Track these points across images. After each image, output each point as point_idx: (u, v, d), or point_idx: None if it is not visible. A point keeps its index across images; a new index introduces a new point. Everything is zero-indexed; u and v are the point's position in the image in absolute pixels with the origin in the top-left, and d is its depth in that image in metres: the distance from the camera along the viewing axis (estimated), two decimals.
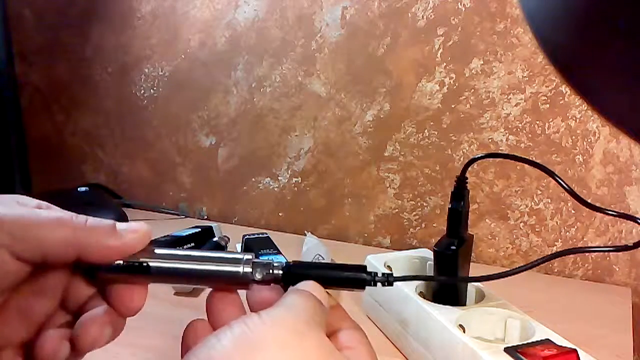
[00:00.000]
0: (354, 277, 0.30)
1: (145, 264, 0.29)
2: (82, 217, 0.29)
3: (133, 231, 0.29)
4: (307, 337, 0.25)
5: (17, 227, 0.27)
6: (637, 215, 0.64)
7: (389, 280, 0.31)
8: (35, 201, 0.30)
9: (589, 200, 0.66)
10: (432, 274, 0.47)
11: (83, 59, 0.91)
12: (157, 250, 0.30)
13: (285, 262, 0.30)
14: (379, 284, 0.31)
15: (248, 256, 0.30)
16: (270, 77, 0.79)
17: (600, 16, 0.16)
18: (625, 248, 0.37)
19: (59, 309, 0.30)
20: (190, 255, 0.30)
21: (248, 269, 0.29)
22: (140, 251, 0.30)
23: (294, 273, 0.30)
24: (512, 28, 0.66)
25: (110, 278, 0.30)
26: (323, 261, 0.62)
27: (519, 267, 0.37)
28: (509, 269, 0.36)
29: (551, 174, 0.42)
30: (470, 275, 0.48)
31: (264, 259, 0.30)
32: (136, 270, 0.29)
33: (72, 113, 0.94)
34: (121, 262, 0.29)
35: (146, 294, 0.30)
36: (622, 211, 0.65)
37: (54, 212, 0.29)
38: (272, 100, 0.80)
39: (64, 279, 0.30)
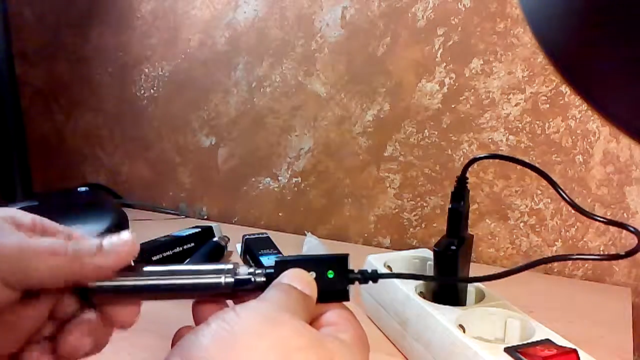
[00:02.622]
0: (335, 290, 0.30)
1: (132, 286, 0.30)
2: (72, 244, 0.28)
3: (119, 245, 0.29)
4: (281, 324, 0.25)
5: (9, 259, 0.27)
6: (637, 215, 0.65)
7: (373, 277, 0.31)
8: (29, 218, 0.30)
9: (589, 201, 0.66)
10: (433, 274, 0.47)
11: (83, 59, 0.91)
12: (143, 268, 0.31)
13: (266, 271, 0.30)
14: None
15: (229, 266, 0.30)
16: (270, 77, 0.79)
17: (600, 16, 0.16)
18: (618, 257, 0.37)
19: (48, 320, 0.30)
20: (173, 271, 0.31)
21: (230, 279, 0.30)
22: (129, 270, 0.30)
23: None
24: (512, 28, 0.66)
25: (101, 299, 0.30)
26: None
27: (505, 270, 0.37)
28: (499, 271, 0.36)
29: (547, 178, 0.42)
30: (470, 276, 0.48)
31: (244, 269, 0.31)
32: (125, 292, 0.30)
33: (72, 113, 0.94)
34: (110, 284, 0.30)
35: (138, 311, 0.30)
36: (622, 211, 0.65)
37: (46, 241, 0.28)
38: (272, 100, 0.80)
39: (55, 297, 0.30)
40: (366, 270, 0.31)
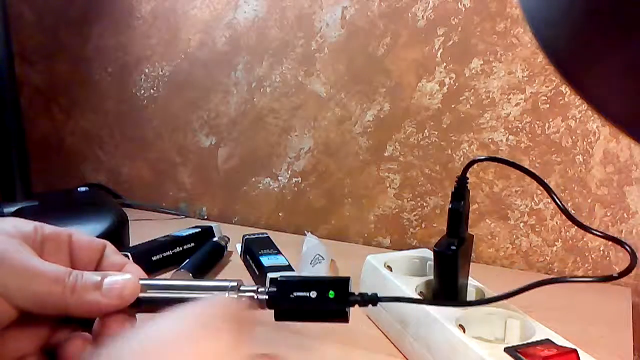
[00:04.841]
0: (335, 310, 0.31)
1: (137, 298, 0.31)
2: (72, 276, 0.29)
3: (119, 285, 0.29)
4: (200, 332, 0.25)
5: (17, 277, 0.27)
6: (637, 215, 0.65)
7: (372, 300, 0.32)
8: (31, 227, 0.31)
9: (588, 201, 0.66)
10: (432, 274, 0.47)
11: (83, 59, 0.91)
12: (146, 282, 0.31)
13: (269, 289, 0.31)
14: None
15: (233, 283, 0.31)
16: (270, 77, 0.79)
17: (600, 16, 0.16)
18: (612, 278, 0.37)
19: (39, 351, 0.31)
20: (177, 285, 0.31)
21: (233, 296, 0.31)
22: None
23: (278, 298, 0.31)
24: (512, 28, 0.66)
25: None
26: (323, 262, 0.62)
27: (500, 295, 0.37)
28: (495, 296, 0.36)
29: (546, 187, 0.42)
30: (470, 277, 0.48)
31: (248, 286, 0.32)
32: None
33: (72, 113, 0.94)
34: None
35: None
36: (622, 211, 0.65)
37: (51, 266, 0.29)
38: (272, 100, 0.80)
39: (52, 323, 0.31)
40: (366, 293, 0.32)
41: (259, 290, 0.31)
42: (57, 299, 0.28)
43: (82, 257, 0.33)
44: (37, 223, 0.31)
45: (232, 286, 0.31)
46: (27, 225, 0.31)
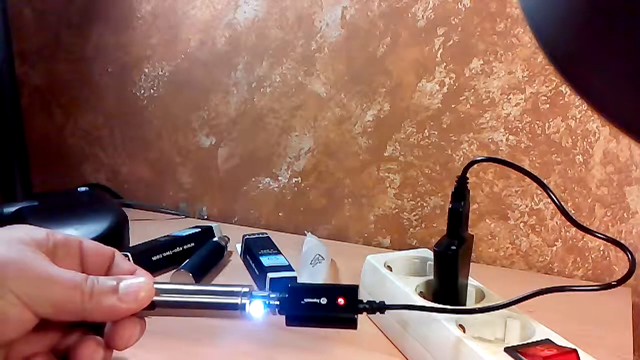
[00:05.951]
0: (344, 317, 0.32)
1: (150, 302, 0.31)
2: (89, 282, 0.29)
3: (135, 289, 0.30)
4: None
5: (37, 285, 0.28)
6: (637, 215, 0.65)
7: (380, 307, 0.33)
8: (44, 233, 0.31)
9: (588, 201, 0.66)
10: (432, 274, 0.47)
11: (83, 59, 0.91)
12: (160, 286, 0.32)
13: (280, 295, 0.32)
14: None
15: (245, 289, 0.32)
16: (270, 77, 0.79)
17: (600, 16, 0.16)
18: (611, 286, 0.37)
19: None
20: (190, 290, 0.32)
21: (245, 301, 0.32)
22: None
23: (289, 304, 0.32)
24: (512, 28, 0.66)
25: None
26: (323, 262, 0.62)
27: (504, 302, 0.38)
28: (499, 303, 0.37)
29: (546, 188, 0.42)
30: (470, 277, 0.48)
31: (259, 292, 0.33)
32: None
33: (72, 113, 0.94)
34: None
35: (140, 333, 0.32)
36: (622, 211, 0.65)
37: (68, 273, 0.29)
38: (272, 100, 0.80)
39: (63, 327, 0.31)
40: (374, 302, 0.33)
41: (271, 296, 0.32)
42: (75, 305, 0.28)
43: (93, 263, 0.33)
44: (47, 230, 0.32)
45: (244, 292, 0.32)
46: (39, 232, 0.31)
